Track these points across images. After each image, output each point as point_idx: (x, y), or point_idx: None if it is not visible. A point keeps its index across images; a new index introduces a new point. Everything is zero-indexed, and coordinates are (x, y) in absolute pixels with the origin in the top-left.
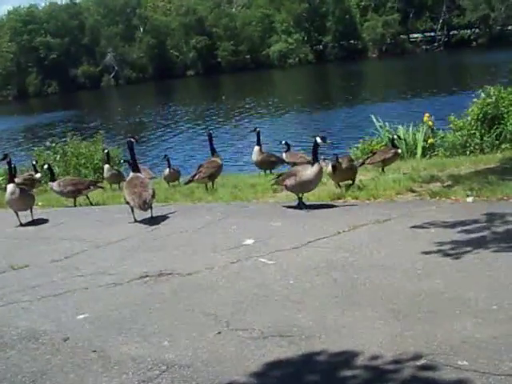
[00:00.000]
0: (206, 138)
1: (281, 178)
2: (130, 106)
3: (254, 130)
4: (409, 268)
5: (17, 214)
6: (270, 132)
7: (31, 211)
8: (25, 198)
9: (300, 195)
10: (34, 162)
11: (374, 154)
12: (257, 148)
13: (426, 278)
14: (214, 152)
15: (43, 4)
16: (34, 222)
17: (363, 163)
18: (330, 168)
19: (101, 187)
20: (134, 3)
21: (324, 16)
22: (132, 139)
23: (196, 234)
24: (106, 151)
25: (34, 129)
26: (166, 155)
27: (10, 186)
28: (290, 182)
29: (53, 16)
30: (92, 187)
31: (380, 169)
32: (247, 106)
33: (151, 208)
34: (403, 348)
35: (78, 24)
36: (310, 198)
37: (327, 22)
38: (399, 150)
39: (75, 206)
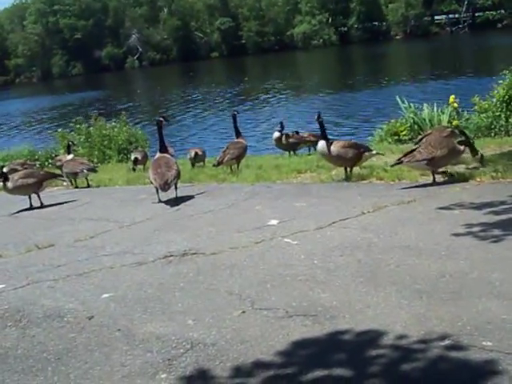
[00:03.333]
0: (230, 119)
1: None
2: (154, 87)
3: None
4: (433, 249)
5: (38, 195)
6: (293, 114)
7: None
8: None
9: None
10: (70, 143)
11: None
12: (277, 134)
13: (450, 258)
14: (238, 133)
15: None
16: (59, 203)
17: (419, 141)
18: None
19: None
20: None
21: None
22: (161, 118)
23: (220, 214)
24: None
25: (58, 110)
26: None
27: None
28: (438, 153)
29: None
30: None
31: None
32: (270, 88)
33: (176, 188)
34: (428, 328)
35: (102, 6)
36: (333, 177)
37: (351, 3)
38: (456, 131)
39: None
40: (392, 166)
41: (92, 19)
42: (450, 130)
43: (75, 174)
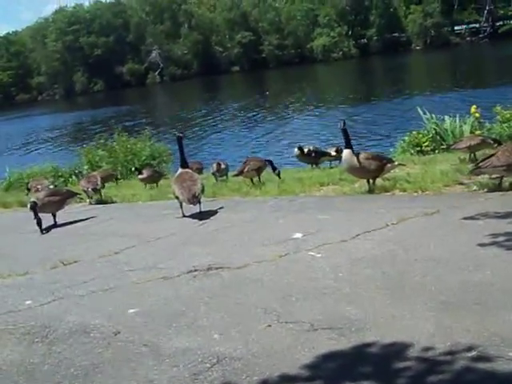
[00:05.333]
0: (251, 133)
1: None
2: (176, 102)
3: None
4: (458, 260)
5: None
6: (315, 126)
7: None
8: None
9: None
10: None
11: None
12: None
13: (476, 269)
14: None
15: (88, 3)
16: (84, 219)
17: (450, 147)
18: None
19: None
20: (178, 0)
21: (367, 9)
22: (181, 134)
23: (244, 228)
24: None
25: (80, 126)
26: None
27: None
28: None
29: (98, 15)
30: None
31: (467, 156)
32: (291, 101)
33: (200, 203)
34: (454, 340)
35: (123, 22)
36: (356, 190)
37: (371, 15)
38: (489, 140)
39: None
40: (471, 171)
41: (113, 36)
42: (481, 137)
43: (84, 191)
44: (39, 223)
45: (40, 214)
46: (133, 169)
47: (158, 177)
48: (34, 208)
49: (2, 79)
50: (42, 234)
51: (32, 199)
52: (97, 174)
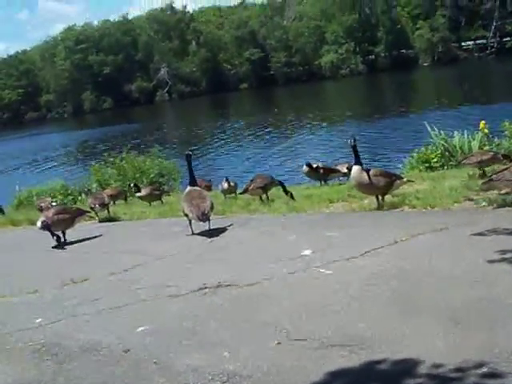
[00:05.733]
0: (259, 150)
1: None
2: (184, 120)
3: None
4: (468, 276)
5: (64, 232)
6: (323, 143)
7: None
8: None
9: None
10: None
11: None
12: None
13: (485, 285)
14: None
15: (96, 22)
16: (93, 236)
17: (459, 162)
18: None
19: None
20: (187, 18)
21: (375, 26)
22: (190, 152)
23: (254, 246)
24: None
25: (89, 144)
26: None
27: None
28: None
29: (106, 33)
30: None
31: (477, 171)
32: (300, 118)
33: (209, 220)
34: (464, 356)
35: (132, 40)
36: (365, 206)
37: (378, 31)
38: (500, 155)
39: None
40: (483, 184)
41: (122, 54)
42: (491, 153)
43: (92, 209)
44: (58, 239)
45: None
46: (131, 185)
47: (158, 194)
48: (48, 226)
49: (12, 98)
50: (63, 249)
51: (42, 218)
52: (103, 192)
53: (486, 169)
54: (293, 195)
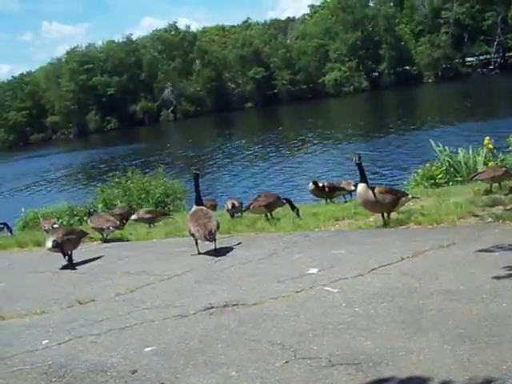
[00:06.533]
0: (264, 170)
1: None
2: (189, 139)
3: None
4: (475, 292)
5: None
6: (327, 161)
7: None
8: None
9: None
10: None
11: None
12: (311, 185)
13: (492, 301)
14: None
15: (100, 43)
16: (99, 257)
17: (472, 178)
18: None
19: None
20: (190, 38)
21: (378, 43)
22: (198, 171)
23: (260, 265)
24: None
25: (94, 164)
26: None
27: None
28: None
29: (110, 54)
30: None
31: (483, 187)
32: (304, 137)
33: (215, 240)
34: (473, 373)
35: (136, 61)
36: (371, 224)
37: (381, 49)
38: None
39: None
40: (506, 194)
41: (126, 74)
42: (504, 168)
43: (101, 230)
44: (70, 259)
45: (56, 254)
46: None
47: (150, 217)
48: (61, 246)
49: (17, 119)
50: (74, 269)
51: (52, 238)
52: (108, 214)
53: (495, 184)
54: (299, 211)
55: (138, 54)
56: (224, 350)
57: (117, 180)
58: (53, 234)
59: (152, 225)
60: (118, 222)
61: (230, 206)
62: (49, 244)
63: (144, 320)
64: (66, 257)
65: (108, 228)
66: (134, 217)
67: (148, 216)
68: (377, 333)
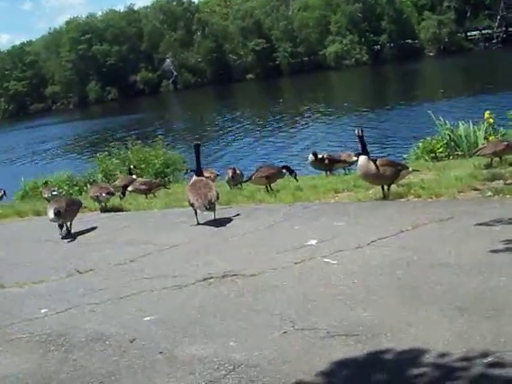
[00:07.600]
0: (265, 141)
1: None
2: (189, 110)
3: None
4: (474, 266)
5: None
6: (328, 133)
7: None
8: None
9: None
10: (132, 166)
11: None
12: (311, 157)
13: (491, 275)
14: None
15: (100, 12)
16: (98, 227)
17: (474, 153)
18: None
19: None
20: (192, 8)
21: (380, 16)
22: (199, 142)
23: (259, 236)
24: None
25: (95, 134)
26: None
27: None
28: None
29: (111, 24)
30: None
31: (491, 161)
32: (305, 109)
33: (214, 210)
34: (470, 345)
35: (137, 31)
36: (370, 196)
37: (383, 21)
38: None
39: None
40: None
41: (126, 44)
42: (505, 143)
43: (97, 198)
44: (69, 230)
45: (55, 224)
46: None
47: (145, 189)
48: (63, 216)
49: (17, 89)
50: (73, 239)
51: (54, 206)
52: (114, 182)
53: (496, 158)
54: (296, 175)
55: (139, 24)
56: (222, 320)
57: (116, 151)
58: (56, 204)
59: (152, 195)
60: (111, 189)
61: (230, 174)
62: (51, 214)
63: (143, 290)
64: (64, 227)
65: (101, 195)
66: (130, 188)
67: (143, 187)
68: (375, 305)
